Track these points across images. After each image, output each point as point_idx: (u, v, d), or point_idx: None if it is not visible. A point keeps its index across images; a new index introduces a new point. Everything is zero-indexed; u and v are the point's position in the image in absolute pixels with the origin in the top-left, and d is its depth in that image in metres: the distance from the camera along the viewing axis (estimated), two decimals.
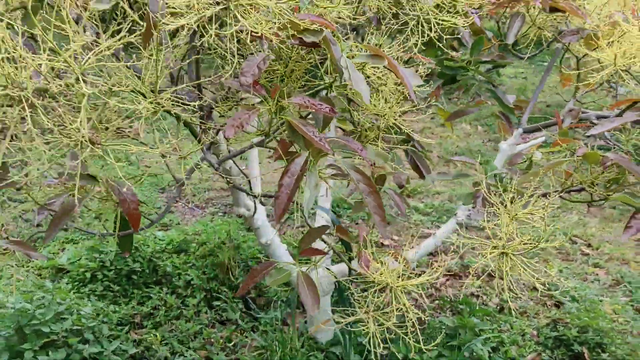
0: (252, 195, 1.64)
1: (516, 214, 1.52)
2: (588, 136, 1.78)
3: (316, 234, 1.58)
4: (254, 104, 1.57)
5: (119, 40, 1.05)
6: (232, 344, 2.56)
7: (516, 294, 1.50)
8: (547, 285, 1.48)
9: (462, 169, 4.96)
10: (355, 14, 1.67)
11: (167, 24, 1.13)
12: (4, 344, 2.17)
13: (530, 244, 1.45)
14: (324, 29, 1.31)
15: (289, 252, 2.49)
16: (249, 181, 1.90)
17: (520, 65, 7.37)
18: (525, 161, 2.29)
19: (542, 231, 1.54)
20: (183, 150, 1.45)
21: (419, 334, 1.47)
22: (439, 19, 1.55)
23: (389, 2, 1.74)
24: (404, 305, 1.47)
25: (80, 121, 1.02)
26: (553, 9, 1.98)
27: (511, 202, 1.52)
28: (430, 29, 1.53)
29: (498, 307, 2.94)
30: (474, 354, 2.42)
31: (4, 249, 1.69)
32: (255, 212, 2.05)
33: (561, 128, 1.97)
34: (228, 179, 1.69)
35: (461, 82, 2.27)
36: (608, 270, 3.45)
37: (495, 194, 1.64)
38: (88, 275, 2.86)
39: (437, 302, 2.98)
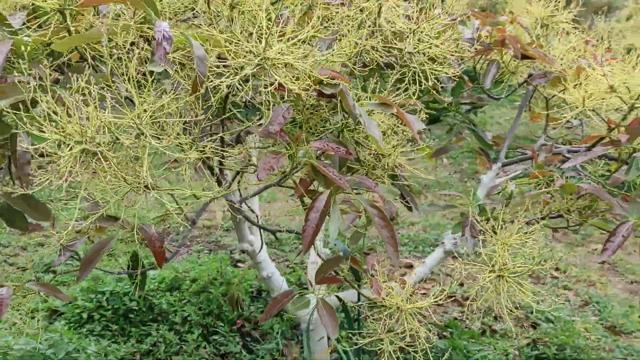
0: (271, 231, 1.78)
1: (508, 241, 1.71)
2: (562, 169, 2.00)
3: (330, 265, 1.73)
4: (268, 146, 1.74)
5: (176, 98, 1.20)
6: None
7: (513, 312, 1.67)
8: (537, 307, 1.66)
9: (433, 200, 5.19)
10: (354, 64, 1.86)
11: (212, 83, 1.29)
12: None
13: (524, 266, 1.64)
14: (339, 82, 1.49)
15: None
16: (257, 217, 2.04)
17: None
18: (499, 192, 2.51)
19: (528, 256, 1.73)
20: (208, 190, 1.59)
21: (428, 353, 1.63)
22: (433, 69, 1.75)
23: (383, 52, 1.93)
24: (414, 326, 1.64)
25: (144, 169, 1.16)
26: (524, 56, 2.22)
27: (506, 229, 1.71)
28: (427, 79, 1.73)
29: (480, 330, 3.12)
30: None
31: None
32: (261, 248, 2.18)
33: (537, 162, 2.19)
34: (244, 215, 1.83)
35: (443, 122, 2.50)
36: (577, 291, 3.69)
37: (481, 223, 1.83)
38: (85, 315, 2.91)
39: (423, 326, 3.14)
